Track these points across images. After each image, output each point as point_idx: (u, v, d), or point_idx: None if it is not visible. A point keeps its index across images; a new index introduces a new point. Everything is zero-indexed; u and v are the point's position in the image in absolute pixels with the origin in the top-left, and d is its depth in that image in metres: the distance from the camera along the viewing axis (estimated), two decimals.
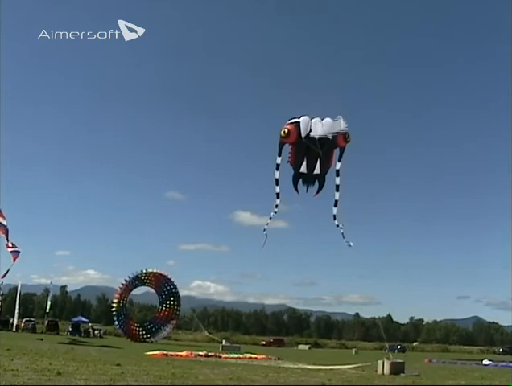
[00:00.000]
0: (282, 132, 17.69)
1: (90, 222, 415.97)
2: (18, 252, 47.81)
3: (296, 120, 17.73)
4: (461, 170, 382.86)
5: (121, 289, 71.94)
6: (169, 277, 74.47)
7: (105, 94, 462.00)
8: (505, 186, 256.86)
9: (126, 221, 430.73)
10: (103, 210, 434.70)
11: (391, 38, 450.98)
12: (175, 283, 74.90)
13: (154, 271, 73.07)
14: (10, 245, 47.17)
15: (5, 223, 47.11)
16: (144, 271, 72.19)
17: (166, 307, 74.17)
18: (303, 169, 18.04)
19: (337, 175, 18.46)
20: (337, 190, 18.82)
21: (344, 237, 19.68)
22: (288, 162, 18.33)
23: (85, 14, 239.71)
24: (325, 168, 18.15)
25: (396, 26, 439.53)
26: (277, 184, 18.55)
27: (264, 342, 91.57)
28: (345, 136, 17.75)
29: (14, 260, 47.56)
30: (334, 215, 19.24)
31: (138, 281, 72.76)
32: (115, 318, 70.91)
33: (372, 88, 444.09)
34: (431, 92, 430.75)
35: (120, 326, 70.09)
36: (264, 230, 20.03)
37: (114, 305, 70.30)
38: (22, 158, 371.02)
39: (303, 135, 17.42)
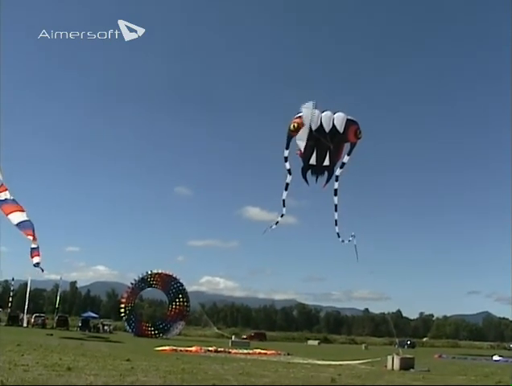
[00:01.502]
0: (291, 126, 17.59)
1: (100, 218, 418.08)
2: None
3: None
4: (472, 165, 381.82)
5: (127, 292, 72.28)
6: (174, 275, 74.75)
7: (104, 94, 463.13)
8: None
9: (136, 217, 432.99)
10: (113, 206, 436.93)
11: (392, 37, 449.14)
12: (181, 281, 75.33)
13: (160, 271, 73.29)
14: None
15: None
16: (149, 272, 72.44)
17: (175, 305, 74.41)
18: (313, 161, 17.99)
19: (341, 167, 18.40)
20: (335, 194, 18.89)
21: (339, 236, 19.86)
22: (297, 154, 18.27)
23: (85, 14, 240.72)
24: (334, 160, 18.10)
25: (398, 25, 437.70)
26: (290, 174, 18.46)
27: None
28: (356, 132, 17.67)
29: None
30: (336, 220, 19.39)
31: (144, 283, 73.04)
32: (126, 323, 71.57)
33: (371, 86, 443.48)
34: (431, 90, 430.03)
35: (132, 329, 70.36)
36: (271, 227, 20.17)
37: (122, 310, 70.59)
38: (30, 155, 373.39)
39: (313, 128, 17.35)
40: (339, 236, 19.91)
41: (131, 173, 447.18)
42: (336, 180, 18.57)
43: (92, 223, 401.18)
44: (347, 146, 18.15)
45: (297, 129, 17.52)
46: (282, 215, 19.65)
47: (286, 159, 18.29)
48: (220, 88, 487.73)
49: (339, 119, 17.43)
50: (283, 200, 19.17)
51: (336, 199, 18.93)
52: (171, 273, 74.50)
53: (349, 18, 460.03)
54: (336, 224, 19.57)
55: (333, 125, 17.35)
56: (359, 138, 17.87)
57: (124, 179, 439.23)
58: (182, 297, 74.59)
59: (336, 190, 18.75)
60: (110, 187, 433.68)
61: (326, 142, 17.43)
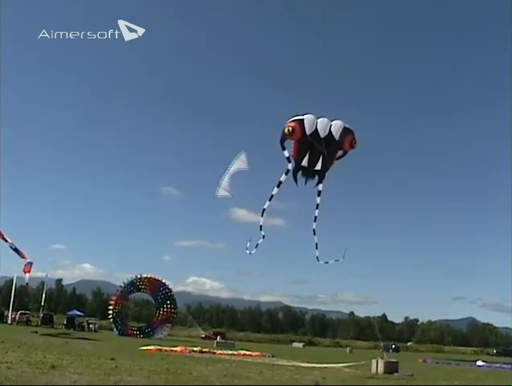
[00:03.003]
0: (286, 130, 17.57)
1: (86, 217, 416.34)
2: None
3: (299, 117, 17.66)
4: (459, 171, 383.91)
5: (116, 295, 72.38)
6: (163, 281, 74.91)
7: (104, 93, 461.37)
8: (503, 188, 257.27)
9: (123, 216, 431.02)
10: (99, 204, 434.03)
11: (392, 39, 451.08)
12: (169, 286, 75.51)
13: (149, 276, 73.39)
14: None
15: None
16: (139, 276, 72.49)
17: (163, 311, 74.59)
18: (305, 163, 18.04)
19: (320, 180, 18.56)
20: (317, 208, 19.07)
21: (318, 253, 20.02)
22: (290, 155, 18.30)
23: (85, 14, 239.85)
24: (326, 166, 18.16)
25: (397, 28, 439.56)
26: (277, 187, 18.60)
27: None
28: (352, 141, 17.70)
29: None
30: (314, 230, 19.55)
31: (133, 286, 73.14)
32: (113, 325, 71.65)
33: (370, 89, 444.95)
34: (430, 93, 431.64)
35: (118, 332, 70.35)
36: (251, 251, 20.36)
37: (110, 311, 70.61)
38: (18, 153, 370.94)
39: (308, 133, 17.37)
40: (318, 260, 20.14)
41: (119, 172, 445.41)
42: (319, 195, 18.78)
43: (79, 221, 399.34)
44: (339, 153, 18.22)
45: (291, 133, 17.55)
46: (263, 237, 19.82)
47: (289, 160, 18.30)
48: (212, 90, 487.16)
49: (336, 126, 17.44)
50: (260, 226, 19.47)
51: (314, 224, 19.25)
52: (160, 278, 74.64)
53: (347, 24, 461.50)
54: (316, 248, 19.87)
55: (329, 132, 17.39)
56: (353, 148, 17.95)
57: (111, 178, 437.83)
58: (170, 304, 74.80)
59: (318, 205, 18.97)
60: (97, 186, 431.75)
61: (320, 148, 17.48)
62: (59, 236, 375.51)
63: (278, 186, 18.39)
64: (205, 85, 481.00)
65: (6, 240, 45.28)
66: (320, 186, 18.52)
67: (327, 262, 20.76)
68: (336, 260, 20.94)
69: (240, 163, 19.98)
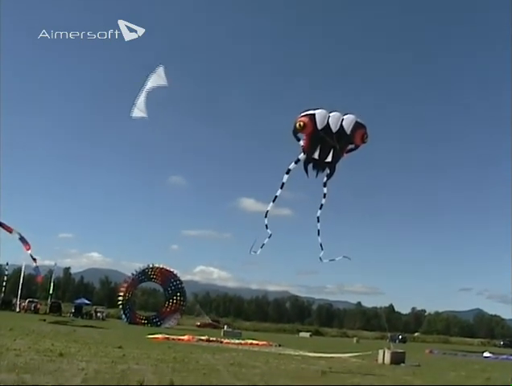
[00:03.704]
0: (297, 124, 17.49)
1: (94, 205, 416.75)
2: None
3: (311, 112, 17.58)
4: (464, 163, 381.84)
5: (127, 282, 72.54)
6: (175, 272, 75.10)
7: (104, 93, 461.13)
8: (508, 179, 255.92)
9: (130, 205, 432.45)
10: (107, 194, 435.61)
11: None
12: (180, 279, 75.66)
13: (161, 266, 73.46)
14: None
15: None
16: (151, 266, 72.62)
17: (172, 302, 74.76)
18: (316, 155, 17.97)
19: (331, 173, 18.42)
20: (318, 220, 18.96)
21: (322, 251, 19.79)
22: (302, 147, 18.22)
23: (85, 14, 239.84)
24: (337, 158, 18.09)
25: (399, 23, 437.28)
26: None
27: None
28: (363, 136, 17.64)
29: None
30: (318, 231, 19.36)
31: (144, 275, 73.20)
32: (122, 312, 71.83)
33: (371, 86, 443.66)
34: (430, 89, 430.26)
35: (127, 319, 70.62)
36: (256, 251, 19.97)
37: (120, 298, 70.82)
38: (25, 142, 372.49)
39: (319, 127, 17.30)
40: (321, 260, 19.96)
41: (126, 161, 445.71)
42: (320, 208, 18.69)
43: (86, 210, 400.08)
44: (350, 146, 18.14)
45: (303, 128, 17.49)
46: (270, 236, 19.44)
47: (302, 149, 18.18)
48: (218, 83, 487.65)
49: (348, 121, 17.37)
50: (266, 225, 19.17)
51: (319, 224, 19.11)
52: (171, 270, 74.76)
53: (352, 19, 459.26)
54: (321, 248, 19.66)
55: (341, 126, 17.31)
56: (365, 142, 17.88)
57: (119, 167, 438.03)
58: (180, 296, 75.01)
59: (322, 205, 18.89)
60: (105, 176, 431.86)
61: (332, 143, 17.41)
62: (66, 225, 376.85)
63: (287, 173, 18.25)
64: (213, 80, 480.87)
65: (11, 231, 45.64)
66: (325, 179, 18.43)
67: (332, 259, 20.44)
68: (331, 260, 20.63)
69: (157, 79, 19.20)
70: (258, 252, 19.74)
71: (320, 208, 19.03)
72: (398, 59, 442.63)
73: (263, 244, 19.44)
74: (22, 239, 47.61)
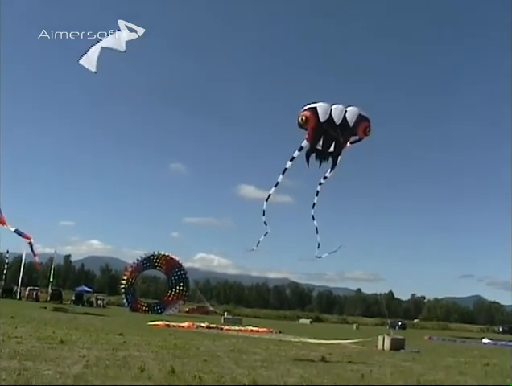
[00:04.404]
0: (299, 119, 17.42)
1: (94, 193, 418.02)
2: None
3: (312, 105, 17.51)
4: (468, 150, 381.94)
5: (132, 267, 72.67)
6: (180, 261, 75.12)
7: (104, 92, 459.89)
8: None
9: (130, 193, 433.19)
10: (107, 181, 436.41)
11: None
12: (185, 269, 75.84)
13: (167, 254, 73.52)
14: None
15: None
16: (156, 253, 72.69)
17: (175, 292, 74.91)
18: (319, 146, 17.93)
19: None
20: (313, 217, 18.85)
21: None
22: (305, 138, 18.16)
23: (85, 14, 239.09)
24: (340, 149, 18.05)
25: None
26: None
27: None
28: (366, 129, 17.57)
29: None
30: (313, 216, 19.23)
31: (149, 262, 73.24)
32: (123, 296, 71.96)
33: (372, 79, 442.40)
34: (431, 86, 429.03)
35: (128, 304, 70.82)
36: (254, 247, 19.83)
37: (123, 282, 70.94)
38: (26, 132, 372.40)
39: (321, 120, 17.24)
40: (318, 257, 19.80)
41: (127, 149, 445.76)
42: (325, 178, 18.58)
43: (87, 198, 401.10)
44: (353, 138, 18.09)
45: (305, 122, 17.43)
46: (266, 234, 19.30)
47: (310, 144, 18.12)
48: (216, 79, 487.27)
49: (351, 113, 17.29)
50: (265, 222, 19.05)
51: (315, 222, 18.97)
52: (177, 259, 74.85)
53: (355, 17, 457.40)
54: (318, 247, 19.51)
55: (344, 119, 17.25)
56: (367, 135, 17.82)
57: (119, 155, 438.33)
58: (183, 286, 75.21)
59: (314, 204, 18.81)
60: (105, 163, 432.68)
61: (335, 135, 17.37)
62: (67, 213, 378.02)
63: (291, 160, 18.17)
64: (211, 77, 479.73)
65: (4, 224, 45.64)
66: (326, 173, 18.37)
67: (319, 256, 20.29)
68: (330, 253, 20.44)
69: (118, 43, 18.83)
70: (256, 248, 19.66)
71: (313, 207, 18.98)
72: (397, 55, 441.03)
73: (259, 242, 19.39)
74: (17, 232, 47.83)
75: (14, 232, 47.54)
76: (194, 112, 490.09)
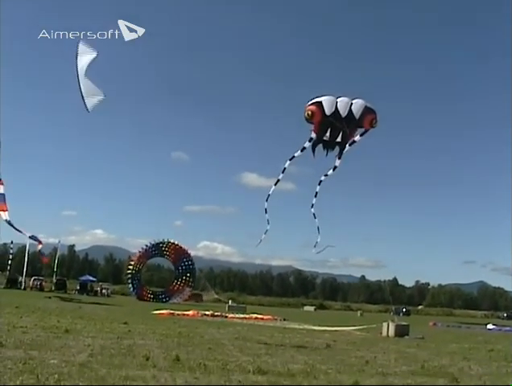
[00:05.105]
0: (306, 114, 17.38)
1: (97, 183, 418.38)
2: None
3: (318, 99, 17.46)
4: (473, 135, 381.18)
5: (140, 253, 72.63)
6: (188, 251, 75.15)
7: (106, 81, 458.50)
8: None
9: (133, 182, 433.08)
10: (110, 171, 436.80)
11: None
12: (193, 260, 75.98)
13: (176, 243, 73.49)
14: None
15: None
16: (166, 240, 72.66)
17: (181, 281, 74.85)
18: (326, 138, 17.89)
19: (349, 144, 18.19)
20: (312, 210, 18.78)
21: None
22: (311, 130, 18.09)
23: (85, 14, 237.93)
24: (347, 140, 18.00)
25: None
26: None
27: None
28: (372, 121, 17.51)
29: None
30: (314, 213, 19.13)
31: (157, 250, 73.25)
32: (129, 281, 71.93)
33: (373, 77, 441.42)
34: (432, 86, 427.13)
35: (134, 290, 70.93)
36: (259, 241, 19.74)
37: (130, 267, 71.01)
38: (30, 119, 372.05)
39: (327, 114, 17.19)
40: (316, 251, 19.73)
41: (129, 137, 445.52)
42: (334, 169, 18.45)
43: (90, 188, 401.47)
44: (360, 130, 18.03)
45: (311, 117, 17.38)
46: (266, 231, 19.25)
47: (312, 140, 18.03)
48: (218, 67, 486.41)
49: (357, 106, 17.25)
50: (268, 220, 18.97)
51: (317, 220, 18.91)
52: (186, 248, 74.91)
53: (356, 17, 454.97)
54: (314, 246, 19.42)
55: (350, 111, 17.20)
56: (373, 127, 17.76)
57: (121, 143, 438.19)
58: (190, 276, 75.13)
59: (313, 205, 18.75)
60: (107, 153, 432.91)
61: (341, 127, 17.33)
62: (70, 203, 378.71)
63: (301, 151, 18.10)
64: (212, 76, 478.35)
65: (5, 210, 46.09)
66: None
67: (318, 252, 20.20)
68: (317, 253, 20.35)
69: (85, 57, 18.34)
70: (258, 245, 19.66)
71: (312, 207, 18.92)
72: (401, 53, 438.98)
73: (260, 240, 19.33)
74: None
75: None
76: (196, 100, 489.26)
